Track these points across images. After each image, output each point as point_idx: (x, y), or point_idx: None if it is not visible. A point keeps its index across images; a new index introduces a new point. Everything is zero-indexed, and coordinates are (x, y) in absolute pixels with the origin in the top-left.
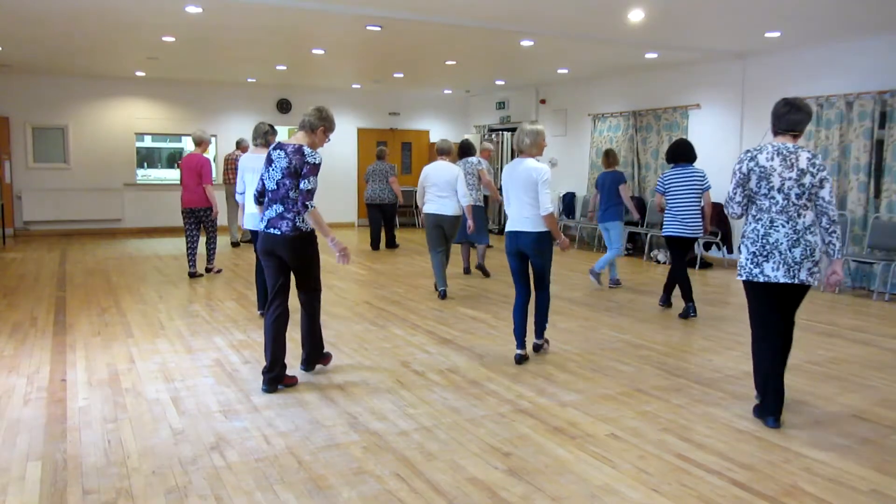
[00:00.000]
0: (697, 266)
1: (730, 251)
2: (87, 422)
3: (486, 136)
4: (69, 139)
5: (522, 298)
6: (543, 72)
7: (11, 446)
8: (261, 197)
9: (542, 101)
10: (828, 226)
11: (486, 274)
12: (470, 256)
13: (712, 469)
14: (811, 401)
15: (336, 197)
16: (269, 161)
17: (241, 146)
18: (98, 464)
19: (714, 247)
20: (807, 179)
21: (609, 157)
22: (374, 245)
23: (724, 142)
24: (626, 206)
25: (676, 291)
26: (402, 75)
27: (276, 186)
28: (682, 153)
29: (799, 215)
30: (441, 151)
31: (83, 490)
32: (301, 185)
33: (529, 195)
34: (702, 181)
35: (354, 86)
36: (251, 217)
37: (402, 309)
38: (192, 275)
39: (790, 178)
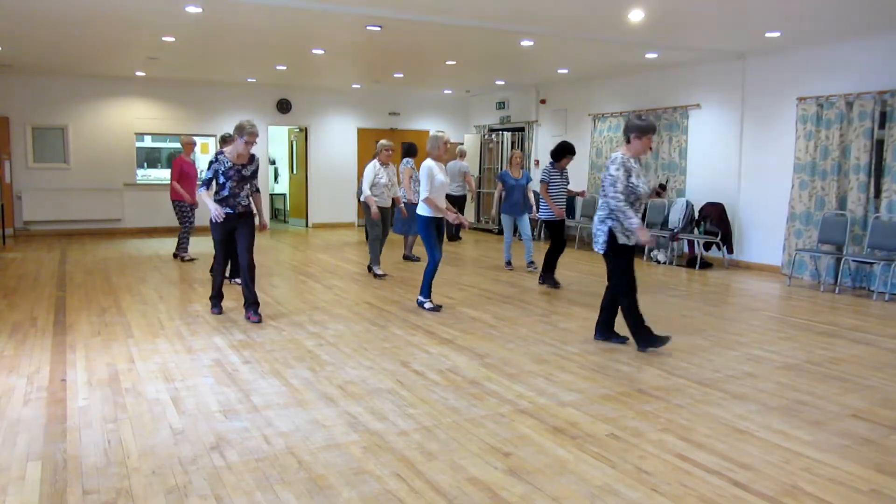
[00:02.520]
0: (698, 266)
1: (730, 251)
2: (87, 422)
3: (485, 136)
4: (69, 139)
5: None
6: (543, 72)
7: (11, 446)
8: None
9: (542, 101)
10: (608, 211)
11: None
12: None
13: (712, 469)
14: (811, 401)
15: (335, 197)
16: None
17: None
18: (98, 464)
19: (714, 247)
20: (602, 177)
21: (514, 158)
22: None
23: (724, 142)
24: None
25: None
26: (402, 75)
27: None
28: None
29: (606, 204)
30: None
31: (83, 490)
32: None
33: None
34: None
35: (354, 86)
36: None
37: (402, 309)
38: (175, 255)
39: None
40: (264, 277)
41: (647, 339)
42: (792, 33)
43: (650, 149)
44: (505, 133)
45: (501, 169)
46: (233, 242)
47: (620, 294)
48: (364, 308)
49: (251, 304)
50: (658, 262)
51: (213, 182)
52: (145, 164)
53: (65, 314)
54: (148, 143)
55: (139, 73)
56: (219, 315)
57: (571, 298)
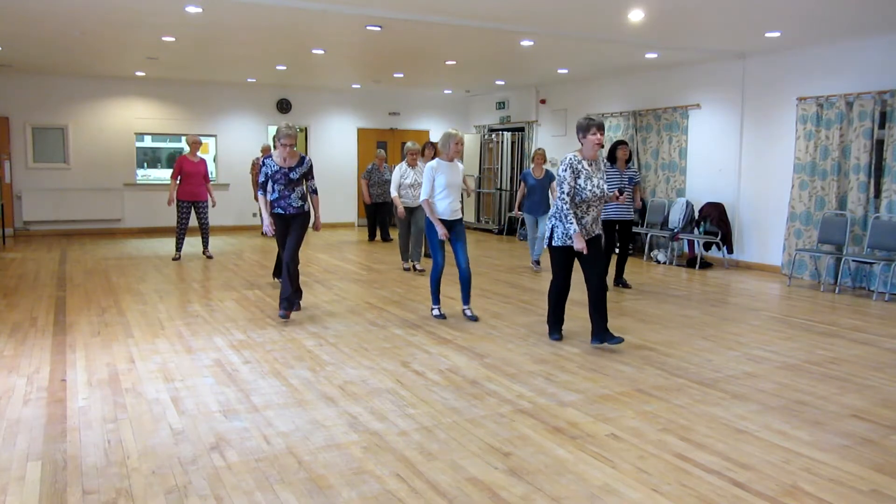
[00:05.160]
0: (698, 266)
1: (730, 251)
2: (87, 422)
3: (485, 136)
4: (69, 139)
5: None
6: (543, 72)
7: (11, 446)
8: None
9: (542, 101)
10: (554, 210)
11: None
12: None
13: (712, 469)
14: (811, 401)
15: (335, 197)
16: None
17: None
18: (98, 464)
19: (714, 247)
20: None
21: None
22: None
23: (724, 142)
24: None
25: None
26: (402, 75)
27: None
28: None
29: (556, 203)
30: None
31: (83, 490)
32: None
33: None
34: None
35: (354, 86)
36: None
37: (402, 309)
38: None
39: None
40: (264, 277)
41: (552, 327)
42: (792, 33)
43: (601, 145)
44: (505, 133)
45: (501, 169)
46: None
47: (552, 285)
48: (364, 308)
49: (284, 298)
50: (658, 262)
51: (268, 185)
52: (145, 164)
53: (65, 314)
54: (148, 143)
55: (139, 73)
56: (297, 311)
57: (572, 298)
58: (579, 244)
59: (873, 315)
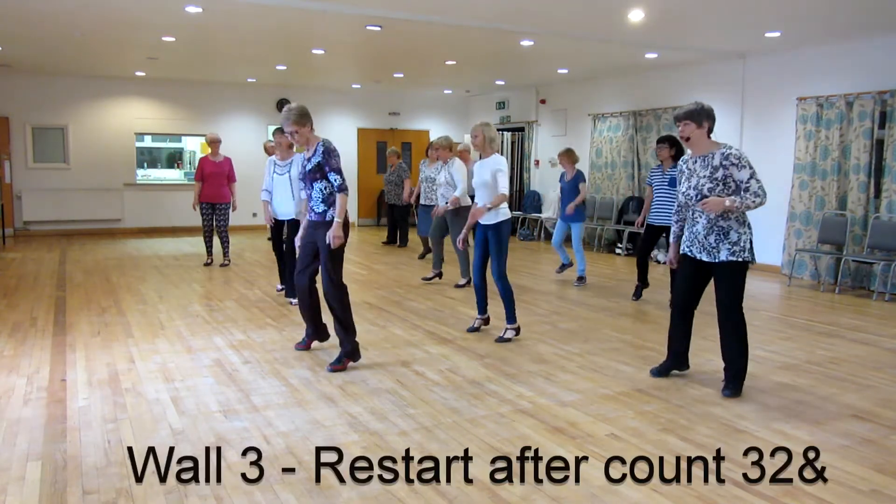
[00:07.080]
0: None
1: None
2: (87, 422)
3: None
4: (69, 139)
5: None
6: (543, 72)
7: (11, 446)
8: None
9: (542, 101)
10: None
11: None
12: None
13: (712, 469)
14: (811, 401)
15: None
16: None
17: None
18: (98, 464)
19: None
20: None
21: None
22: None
23: (724, 142)
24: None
25: None
26: (402, 75)
27: None
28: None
29: None
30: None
31: (83, 490)
32: None
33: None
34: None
35: (354, 86)
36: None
37: (402, 309)
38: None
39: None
40: (265, 277)
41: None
42: (792, 33)
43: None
44: (505, 133)
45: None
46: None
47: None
48: (364, 308)
49: (351, 350)
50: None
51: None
52: (145, 164)
53: (65, 314)
54: (148, 142)
55: (139, 73)
56: (303, 350)
57: (572, 298)
58: (670, 254)
59: (873, 315)
